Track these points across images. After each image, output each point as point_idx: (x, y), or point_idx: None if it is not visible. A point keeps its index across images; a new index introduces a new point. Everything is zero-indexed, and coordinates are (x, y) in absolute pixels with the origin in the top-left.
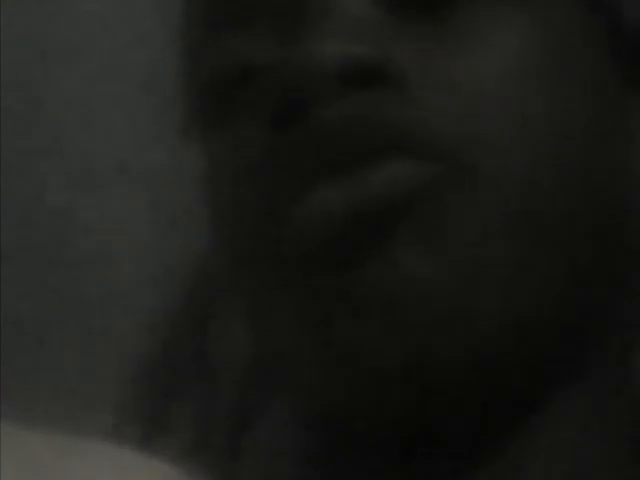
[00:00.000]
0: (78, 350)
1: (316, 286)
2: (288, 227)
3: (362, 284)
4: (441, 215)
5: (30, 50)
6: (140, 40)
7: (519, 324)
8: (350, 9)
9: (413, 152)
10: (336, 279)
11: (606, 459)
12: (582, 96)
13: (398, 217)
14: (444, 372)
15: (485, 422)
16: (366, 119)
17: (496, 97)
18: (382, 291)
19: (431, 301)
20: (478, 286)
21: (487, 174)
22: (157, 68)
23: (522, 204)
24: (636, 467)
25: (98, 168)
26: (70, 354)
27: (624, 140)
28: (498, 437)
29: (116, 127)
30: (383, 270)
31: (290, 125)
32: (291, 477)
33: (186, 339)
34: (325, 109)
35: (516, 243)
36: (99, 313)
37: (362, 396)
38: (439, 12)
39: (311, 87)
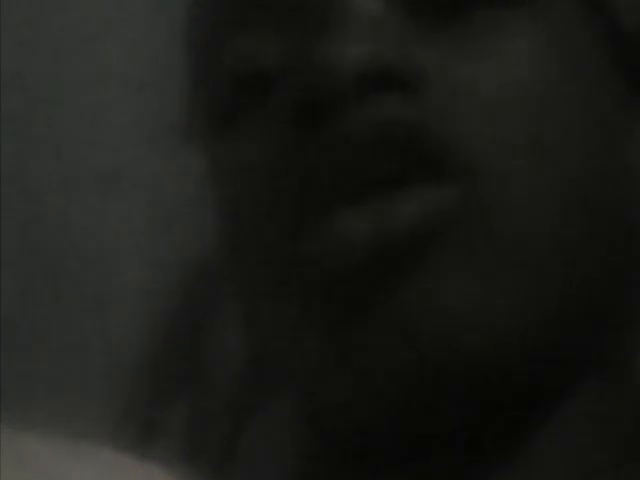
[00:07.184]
0: (78, 350)
1: (331, 303)
2: (304, 242)
3: (375, 305)
4: (465, 241)
5: (30, 50)
6: (139, 42)
7: (523, 328)
8: (369, 11)
9: (434, 163)
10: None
11: (606, 459)
12: (587, 98)
13: (421, 246)
14: (445, 375)
15: (486, 423)
16: (386, 123)
17: (513, 100)
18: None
19: (445, 317)
20: (489, 299)
21: (502, 180)
22: (155, 70)
23: (533, 209)
24: (636, 467)
25: (97, 169)
26: (70, 354)
27: (626, 142)
28: (499, 438)
29: (115, 129)
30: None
31: (310, 127)
32: (287, 479)
33: (183, 341)
34: (345, 112)
35: (526, 251)
36: (98, 314)
37: (364, 398)
38: (458, 14)
39: (331, 89)
